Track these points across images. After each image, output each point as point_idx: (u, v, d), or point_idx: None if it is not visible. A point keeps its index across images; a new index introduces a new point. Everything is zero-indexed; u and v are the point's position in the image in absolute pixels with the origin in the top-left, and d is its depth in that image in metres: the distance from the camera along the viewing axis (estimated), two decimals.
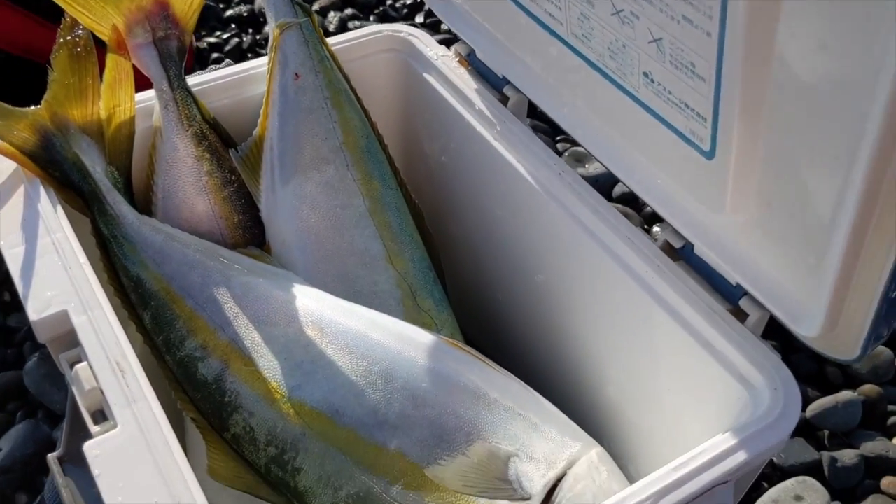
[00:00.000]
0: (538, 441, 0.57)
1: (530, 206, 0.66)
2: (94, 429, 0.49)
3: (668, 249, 0.59)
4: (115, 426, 0.48)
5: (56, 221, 0.57)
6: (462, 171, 0.74)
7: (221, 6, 1.37)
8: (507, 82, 0.70)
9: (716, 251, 0.55)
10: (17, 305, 0.97)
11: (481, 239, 0.75)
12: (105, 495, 0.45)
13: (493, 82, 0.71)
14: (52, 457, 0.68)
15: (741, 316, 0.55)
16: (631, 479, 0.55)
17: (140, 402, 0.49)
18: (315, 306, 0.61)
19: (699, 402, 0.56)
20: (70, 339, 0.53)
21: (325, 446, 0.56)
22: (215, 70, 0.72)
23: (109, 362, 0.50)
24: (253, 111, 0.68)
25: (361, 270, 0.67)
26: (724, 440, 0.49)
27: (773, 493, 0.81)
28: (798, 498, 0.81)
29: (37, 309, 0.53)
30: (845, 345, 0.49)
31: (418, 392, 0.57)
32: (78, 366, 0.51)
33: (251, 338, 0.59)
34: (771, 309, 0.52)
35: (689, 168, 0.52)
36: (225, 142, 0.68)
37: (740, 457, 0.48)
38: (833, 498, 0.81)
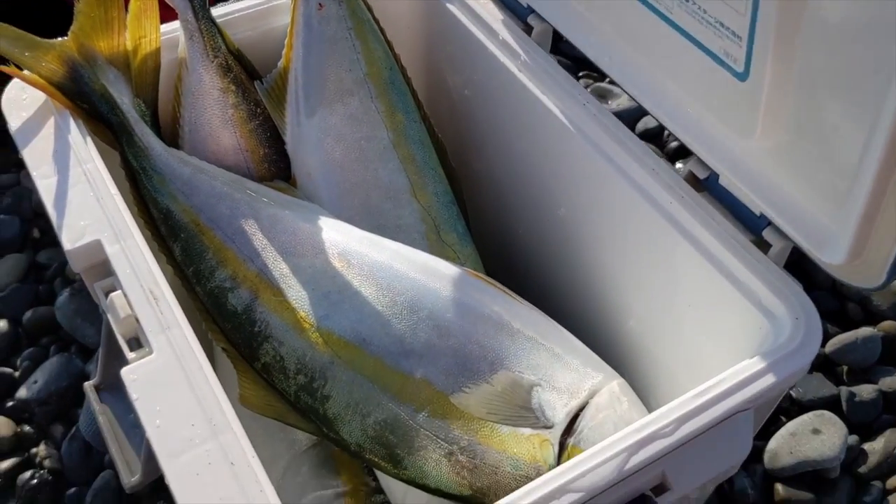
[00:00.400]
0: (561, 371, 0.58)
1: (554, 138, 0.66)
2: (130, 355, 0.50)
3: (693, 180, 0.59)
4: (150, 352, 0.49)
5: (87, 152, 0.58)
6: (485, 104, 0.73)
7: None
8: (532, 11, 0.69)
9: (741, 179, 0.54)
10: (46, 242, 0.99)
11: (504, 173, 0.75)
12: (143, 418, 0.47)
13: (517, 12, 0.70)
14: (88, 385, 0.70)
15: (764, 246, 0.55)
16: (651, 411, 0.56)
17: (174, 329, 0.50)
18: (341, 238, 0.62)
19: (720, 333, 0.57)
20: (104, 269, 0.54)
21: (352, 374, 0.58)
22: (239, 1, 0.71)
23: (143, 290, 0.51)
24: (277, 42, 0.68)
25: (386, 204, 0.67)
26: (746, 368, 0.49)
27: (790, 426, 0.82)
28: (816, 431, 0.82)
29: (71, 238, 0.54)
30: (869, 272, 0.49)
31: (443, 322, 0.58)
32: (113, 294, 0.52)
33: (280, 269, 0.60)
34: (795, 237, 0.52)
35: (721, 92, 0.52)
36: (250, 74, 0.68)
37: (761, 384, 0.49)
38: (851, 432, 0.82)
